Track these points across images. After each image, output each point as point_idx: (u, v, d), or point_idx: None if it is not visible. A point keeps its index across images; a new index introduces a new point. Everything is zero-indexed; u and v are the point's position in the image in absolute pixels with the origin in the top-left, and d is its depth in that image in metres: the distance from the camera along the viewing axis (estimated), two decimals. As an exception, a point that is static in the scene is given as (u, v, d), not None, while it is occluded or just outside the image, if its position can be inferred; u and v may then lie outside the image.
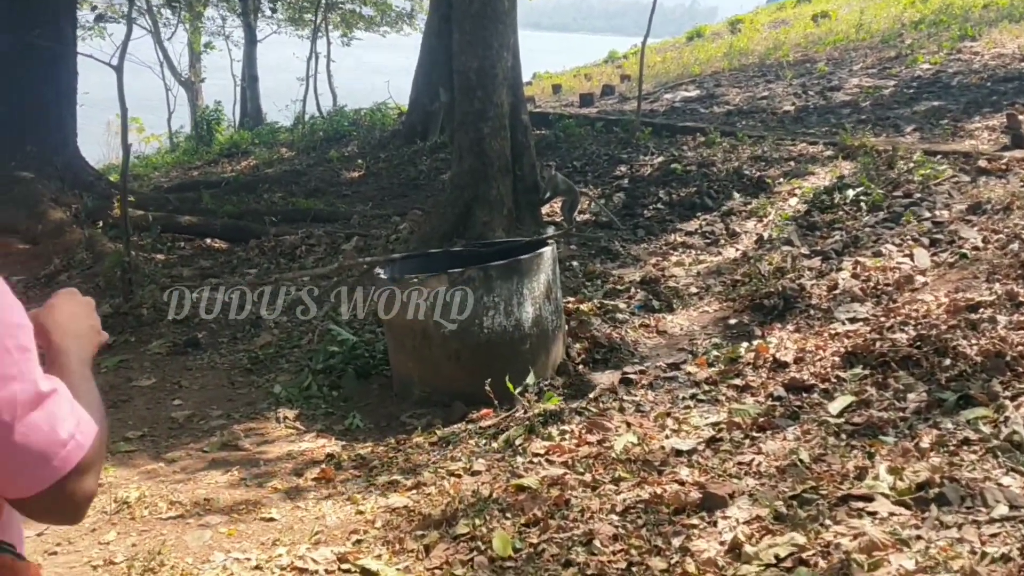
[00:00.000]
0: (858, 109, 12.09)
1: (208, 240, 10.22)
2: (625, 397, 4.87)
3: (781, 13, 30.38)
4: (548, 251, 5.33)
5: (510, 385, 4.68)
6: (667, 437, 4.26)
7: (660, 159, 10.31)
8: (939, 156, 8.51)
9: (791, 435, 4.13)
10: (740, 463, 3.89)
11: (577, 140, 12.26)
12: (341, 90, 26.28)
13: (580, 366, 5.49)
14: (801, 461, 3.80)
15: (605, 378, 5.27)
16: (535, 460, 4.13)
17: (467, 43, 7.85)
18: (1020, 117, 8.01)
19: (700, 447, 4.09)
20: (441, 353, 5.05)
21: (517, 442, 4.34)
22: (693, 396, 4.76)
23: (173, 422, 5.21)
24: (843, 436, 4.02)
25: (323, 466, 4.42)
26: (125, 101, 7.67)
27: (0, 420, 1.16)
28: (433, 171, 12.35)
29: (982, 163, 7.98)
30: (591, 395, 4.98)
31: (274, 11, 25.75)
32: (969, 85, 12.15)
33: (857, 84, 13.80)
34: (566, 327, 5.76)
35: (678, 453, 4.05)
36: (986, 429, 3.86)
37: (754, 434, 4.19)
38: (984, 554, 2.94)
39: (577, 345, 5.67)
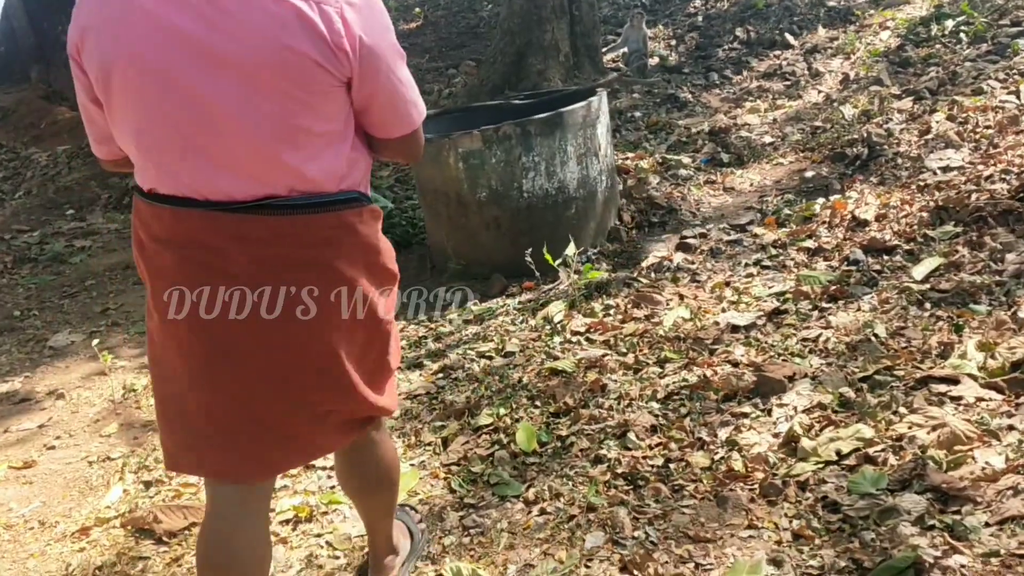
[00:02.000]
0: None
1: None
2: (681, 265, 4.39)
3: None
4: (596, 101, 4.74)
5: (548, 256, 4.24)
6: (724, 311, 3.79)
7: (738, -8, 9.35)
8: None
9: (867, 305, 3.62)
10: (805, 340, 3.41)
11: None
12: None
13: (634, 231, 4.99)
14: (876, 336, 3.31)
15: (661, 244, 4.78)
16: (574, 339, 3.73)
17: None
18: None
19: (760, 321, 3.62)
20: (478, 221, 4.61)
21: (556, 319, 3.94)
22: (757, 262, 4.25)
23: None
24: (927, 305, 3.49)
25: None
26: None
27: (396, 53, 1.67)
28: (495, 17, 11.57)
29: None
30: (643, 264, 4.51)
31: None
32: None
33: None
34: (620, 187, 5.24)
35: (734, 329, 3.59)
36: (1101, 296, 3.28)
37: (824, 305, 3.69)
38: (1090, 451, 2.45)
39: (632, 207, 5.16)
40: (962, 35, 6.59)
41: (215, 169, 1.60)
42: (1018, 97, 5.18)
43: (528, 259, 4.38)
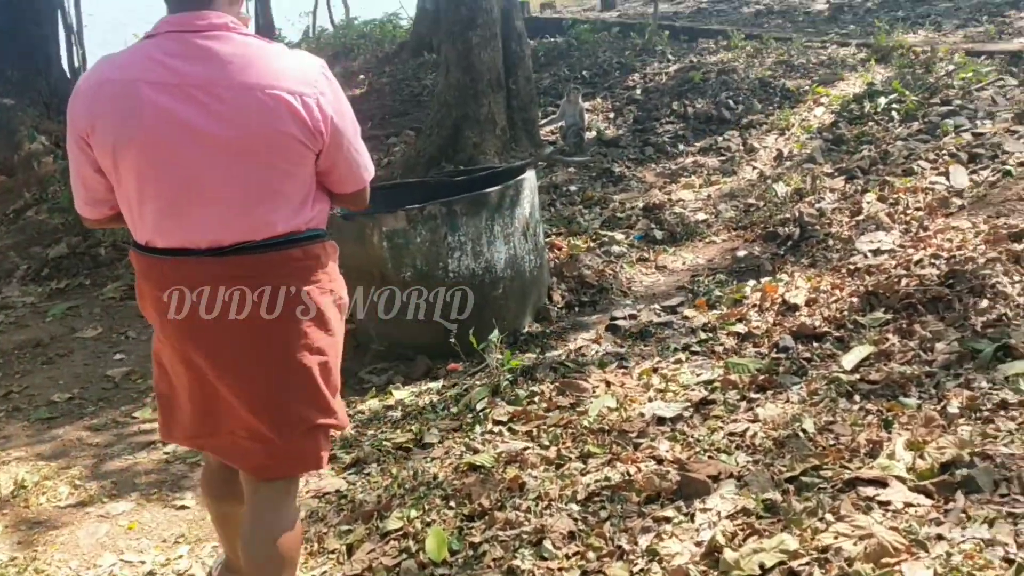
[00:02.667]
0: (897, 5, 11.06)
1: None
2: (609, 348, 4.26)
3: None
4: (526, 180, 4.65)
5: (473, 340, 4.08)
6: (650, 400, 3.66)
7: (677, 66, 9.45)
8: (983, 57, 7.60)
9: (795, 396, 3.52)
10: (732, 434, 3.29)
11: (590, 47, 11.37)
12: (356, 2, 25.25)
13: (564, 310, 4.87)
14: (804, 431, 3.19)
15: (590, 325, 4.66)
16: (496, 429, 3.56)
17: (452, -57, 7.03)
18: None
19: (687, 413, 3.49)
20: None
21: (478, 407, 3.77)
22: (686, 347, 4.14)
23: (108, 381, 4.71)
24: (857, 397, 3.40)
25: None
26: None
27: (355, 129, 2.12)
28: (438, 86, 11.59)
29: (1033, 63, 7.08)
30: (571, 346, 4.38)
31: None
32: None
33: (898, -23, 12.65)
34: (550, 265, 5.13)
35: (660, 421, 3.46)
36: (1029, 389, 3.21)
37: (752, 395, 3.58)
38: (1021, 567, 2.33)
39: (563, 286, 5.05)
40: (894, 113, 6.68)
41: (207, 225, 1.98)
42: (947, 179, 5.21)
43: (453, 340, 4.22)
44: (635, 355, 4.16)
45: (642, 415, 3.50)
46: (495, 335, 4.09)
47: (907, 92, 6.86)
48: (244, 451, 2.16)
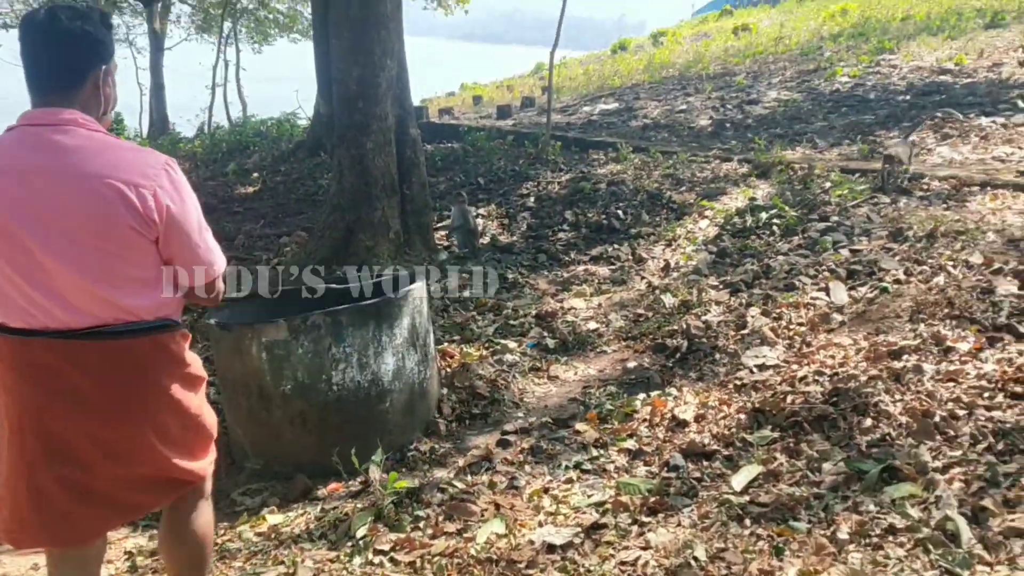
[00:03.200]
0: (775, 123, 11.66)
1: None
2: (500, 466, 4.12)
3: (703, 26, 30.32)
4: (416, 289, 4.55)
5: (355, 460, 3.88)
6: (540, 524, 3.52)
7: (569, 176, 9.65)
8: (857, 174, 8.01)
9: (687, 519, 3.44)
10: (623, 563, 3.17)
11: (486, 155, 11.54)
12: (255, 100, 25.19)
13: (454, 423, 4.72)
14: (696, 559, 3.10)
15: (481, 439, 4.52)
16: (376, 560, 3.34)
17: (346, 50, 7.05)
18: (892, 152, 7.66)
19: (577, 539, 3.36)
20: (281, 415, 4.22)
21: (359, 534, 3.54)
22: (578, 465, 4.03)
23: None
24: (747, 521, 3.34)
25: (113, 568, 3.56)
26: None
27: (199, 225, 2.29)
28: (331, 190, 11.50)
29: (903, 183, 7.48)
30: (461, 462, 4.22)
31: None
32: (888, 98, 11.82)
33: (775, 97, 13.41)
34: (441, 375, 4.99)
35: (550, 548, 3.31)
36: (914, 513, 3.21)
37: (643, 518, 3.48)
38: None
39: (453, 397, 4.91)
40: (775, 227, 6.92)
41: (53, 305, 2.12)
42: (828, 294, 5.36)
43: (335, 459, 4.00)
44: (526, 474, 4.02)
45: (531, 542, 3.35)
46: (379, 455, 3.89)
47: (787, 208, 7.13)
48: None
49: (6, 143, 2.16)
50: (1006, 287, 4.74)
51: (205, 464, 2.51)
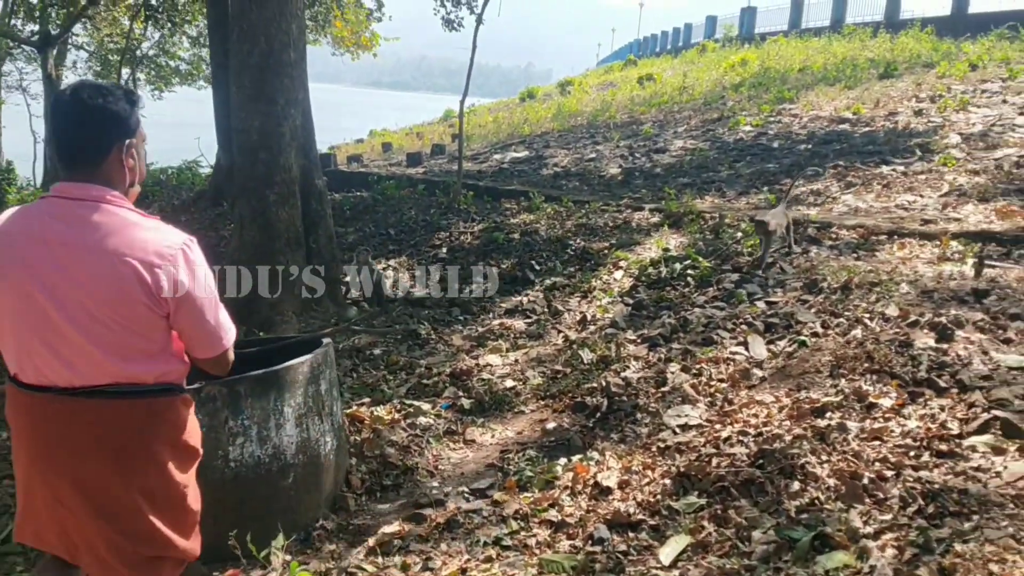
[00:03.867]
0: (683, 172, 11.79)
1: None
2: (413, 546, 3.84)
3: (609, 75, 30.95)
4: (322, 353, 4.26)
5: (253, 548, 3.54)
6: (458, 611, 3.25)
7: (481, 226, 9.49)
8: (767, 224, 8.06)
9: (615, 600, 3.23)
10: (548, 652, 2.93)
11: (396, 204, 11.33)
12: (157, 148, 24.41)
13: (363, 497, 4.42)
14: (626, 647, 2.89)
15: (394, 514, 4.23)
16: (276, 662, 3.02)
17: (248, 98, 6.76)
18: (765, 219, 6.74)
19: (498, 628, 3.11)
20: (173, 496, 3.85)
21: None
22: (497, 541, 3.78)
23: None
24: (678, 600, 3.15)
25: None
26: None
27: (212, 303, 2.41)
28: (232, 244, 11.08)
29: (812, 231, 7.57)
30: (371, 541, 3.92)
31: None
32: (790, 147, 12.09)
33: (682, 146, 13.60)
34: (349, 444, 4.69)
35: (470, 640, 3.05)
36: (849, 585, 3.07)
37: (569, 601, 3.25)
38: None
39: (363, 467, 4.61)
40: (689, 278, 6.86)
41: (60, 365, 2.27)
42: (746, 348, 5.28)
43: (232, 543, 3.66)
44: (441, 553, 3.75)
45: (450, 633, 3.09)
46: (279, 540, 3.57)
47: (700, 258, 7.10)
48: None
49: (38, 211, 2.31)
50: (924, 340, 4.73)
51: (190, 545, 2.57)
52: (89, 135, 2.30)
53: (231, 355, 2.55)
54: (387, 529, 4.03)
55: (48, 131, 2.38)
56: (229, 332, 2.51)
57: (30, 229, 2.26)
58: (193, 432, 2.55)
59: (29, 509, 2.47)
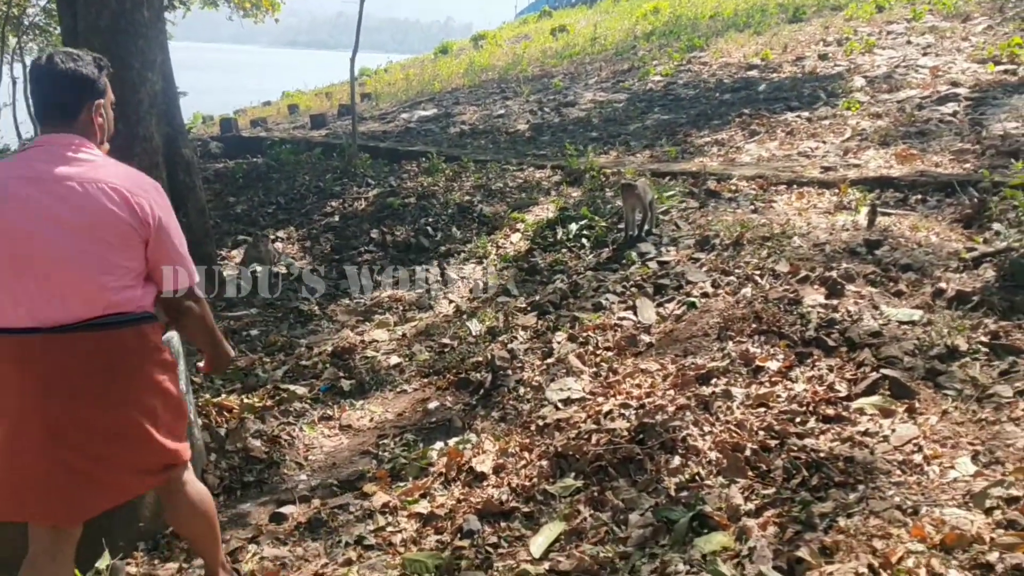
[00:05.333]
0: (592, 126, 11.48)
1: None
2: (268, 549, 3.51)
3: (524, 28, 30.37)
4: (172, 342, 3.85)
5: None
6: (307, 626, 2.95)
7: (376, 191, 9.07)
8: (668, 177, 7.83)
9: (478, 602, 2.96)
10: (396, 673, 2.65)
11: (291, 170, 10.79)
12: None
13: (222, 497, 4.06)
14: (484, 657, 2.62)
15: (252, 515, 3.88)
16: None
17: (100, 63, 6.17)
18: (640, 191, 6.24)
19: (347, 644, 2.81)
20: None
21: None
22: (360, 540, 3.48)
23: None
24: (545, 598, 2.89)
25: None
26: None
27: (180, 239, 2.65)
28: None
29: (711, 184, 7.35)
30: (225, 549, 3.57)
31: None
32: (699, 96, 11.88)
33: (591, 99, 13.29)
34: (209, 439, 4.31)
35: (315, 660, 2.75)
36: (727, 570, 2.86)
37: (429, 606, 2.97)
38: None
39: (223, 463, 4.24)
40: (584, 240, 6.59)
41: (47, 305, 2.44)
42: (635, 313, 5.03)
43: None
44: (298, 557, 3.43)
45: (292, 654, 2.78)
46: (105, 558, 3.19)
47: (596, 217, 6.83)
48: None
49: (25, 157, 2.54)
50: (813, 297, 4.54)
51: (185, 447, 2.81)
52: (63, 95, 2.57)
53: (200, 293, 2.77)
54: (243, 532, 3.70)
55: (30, 92, 2.61)
56: (195, 271, 2.72)
57: (20, 172, 2.48)
58: (168, 348, 2.74)
59: (6, 482, 2.51)
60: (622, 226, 6.45)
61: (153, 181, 2.64)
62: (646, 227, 6.29)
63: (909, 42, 12.24)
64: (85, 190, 2.45)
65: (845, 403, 3.72)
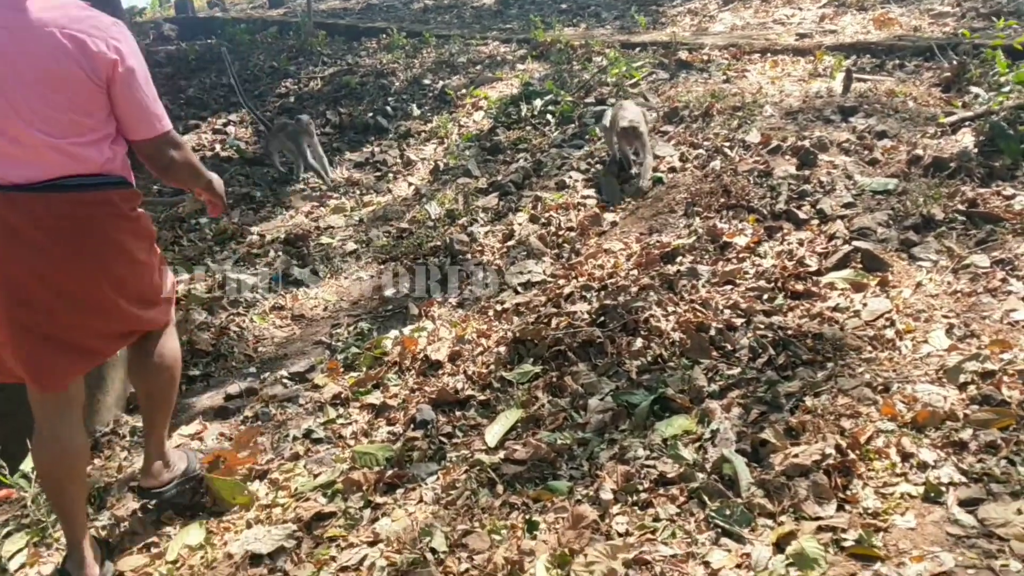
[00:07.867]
0: (560, -3, 10.94)
1: None
2: (210, 445, 3.35)
3: None
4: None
5: (5, 479, 2.99)
6: (249, 525, 2.81)
7: (333, 70, 8.62)
8: (637, 48, 7.46)
9: (430, 493, 2.83)
10: (344, 568, 2.52)
11: (245, 50, 10.26)
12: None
13: (166, 392, 3.87)
14: (433, 551, 2.50)
15: (196, 409, 3.71)
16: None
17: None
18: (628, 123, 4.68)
19: (291, 541, 2.68)
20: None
21: (14, 562, 2.72)
22: (308, 434, 3.32)
23: None
24: (500, 488, 2.77)
25: None
26: None
27: (145, 80, 2.39)
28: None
29: (682, 54, 7.00)
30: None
31: None
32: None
33: (561, -32, 12.63)
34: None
35: (255, 560, 2.62)
36: (688, 455, 2.73)
37: (379, 499, 2.84)
38: None
39: (169, 357, 4.04)
40: (549, 116, 6.28)
41: (8, 161, 2.28)
42: (599, 192, 4.79)
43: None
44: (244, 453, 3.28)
45: (230, 555, 2.64)
46: (29, 460, 3.03)
47: (562, 92, 6.49)
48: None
49: None
50: (784, 167, 4.31)
51: (160, 312, 2.72)
52: None
53: (173, 153, 2.49)
54: (187, 428, 3.53)
55: None
56: (165, 117, 2.48)
57: None
58: (144, 217, 2.59)
59: None
60: (589, 100, 6.14)
61: (113, 18, 2.40)
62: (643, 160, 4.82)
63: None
64: (38, 38, 2.24)
65: (815, 278, 3.55)
